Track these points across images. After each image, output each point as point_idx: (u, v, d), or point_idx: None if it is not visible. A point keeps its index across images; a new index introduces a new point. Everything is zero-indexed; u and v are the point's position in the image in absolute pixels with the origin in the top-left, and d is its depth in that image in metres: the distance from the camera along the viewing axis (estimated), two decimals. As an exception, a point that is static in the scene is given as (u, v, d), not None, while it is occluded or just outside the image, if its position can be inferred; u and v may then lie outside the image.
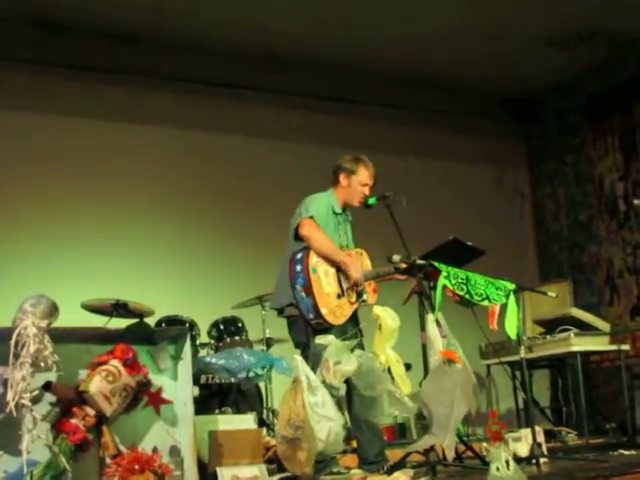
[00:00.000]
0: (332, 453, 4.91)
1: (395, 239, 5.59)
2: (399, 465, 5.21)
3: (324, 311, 5.48)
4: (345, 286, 5.71)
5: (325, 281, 5.58)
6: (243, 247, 9.33)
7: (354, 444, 6.02)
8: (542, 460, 5.40)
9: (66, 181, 8.73)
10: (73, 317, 4.55)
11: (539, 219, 11.77)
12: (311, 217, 5.71)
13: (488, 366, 8.34)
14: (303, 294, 5.50)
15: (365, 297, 5.83)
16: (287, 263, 5.68)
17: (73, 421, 3.91)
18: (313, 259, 5.59)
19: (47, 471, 3.81)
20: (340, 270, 5.71)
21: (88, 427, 3.93)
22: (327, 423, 4.56)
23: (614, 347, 8.06)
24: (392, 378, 5.03)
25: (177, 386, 4.45)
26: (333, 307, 5.56)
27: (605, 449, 6.61)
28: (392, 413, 5.04)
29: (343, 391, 5.49)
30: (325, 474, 4.88)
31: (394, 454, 5.70)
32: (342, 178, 6.03)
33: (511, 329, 5.55)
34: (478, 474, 4.65)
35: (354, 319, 5.79)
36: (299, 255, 5.63)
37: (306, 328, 5.57)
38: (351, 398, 5.59)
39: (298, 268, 5.58)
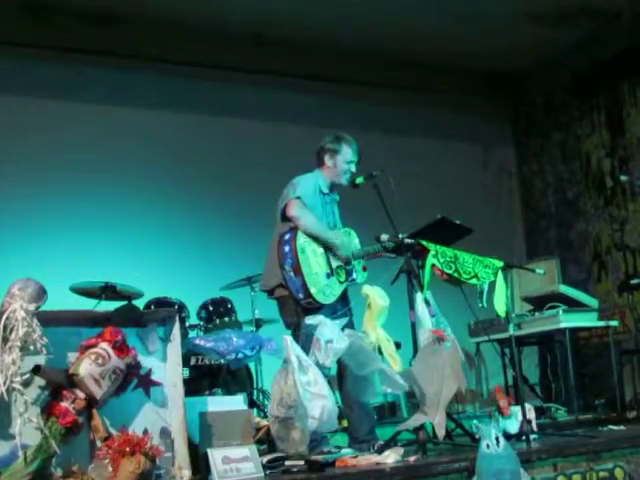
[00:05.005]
0: (327, 431, 4.93)
1: (383, 218, 5.59)
2: (389, 444, 5.23)
3: (313, 290, 5.50)
4: (334, 265, 5.72)
5: (314, 261, 5.59)
6: (232, 228, 9.32)
7: (345, 423, 6.03)
8: (532, 437, 5.42)
9: (52, 164, 8.69)
10: (62, 300, 4.55)
11: (527, 197, 11.79)
12: (298, 198, 5.70)
13: (477, 344, 8.35)
14: (292, 274, 5.51)
15: (354, 276, 5.84)
16: (275, 244, 5.68)
17: (63, 404, 3.91)
18: (301, 239, 5.60)
19: (38, 454, 3.81)
20: (329, 249, 5.71)
21: (78, 410, 3.93)
22: (320, 401, 4.58)
23: (602, 323, 8.10)
24: (382, 357, 5.05)
25: (167, 368, 4.45)
26: (322, 286, 5.58)
27: (594, 425, 6.63)
28: (384, 391, 5.05)
29: (334, 371, 5.50)
30: (316, 453, 4.88)
31: (384, 433, 5.72)
32: (327, 159, 6.03)
33: (500, 306, 5.56)
34: (468, 452, 4.66)
35: (344, 298, 5.80)
36: (287, 236, 5.64)
37: (296, 308, 5.59)
38: (342, 378, 5.60)
39: (286, 249, 5.59)
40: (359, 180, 5.97)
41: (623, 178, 8.89)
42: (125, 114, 9.25)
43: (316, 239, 5.68)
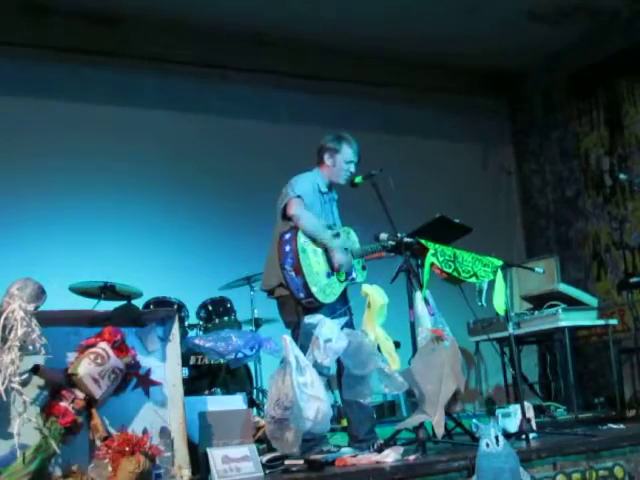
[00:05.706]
0: (320, 432, 4.92)
1: (382, 217, 5.59)
2: (389, 442, 5.23)
3: (314, 289, 5.48)
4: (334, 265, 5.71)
5: (314, 260, 5.58)
6: (231, 228, 9.31)
7: (344, 423, 6.03)
8: (531, 435, 5.43)
9: (52, 163, 8.67)
10: (61, 300, 4.55)
11: (525, 195, 11.78)
12: (298, 196, 5.70)
13: (477, 343, 8.35)
14: (293, 274, 5.50)
15: (354, 275, 5.84)
16: (275, 244, 5.68)
17: (62, 404, 3.91)
18: (301, 239, 5.59)
19: (37, 454, 3.81)
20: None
21: (77, 410, 3.93)
22: (315, 403, 4.57)
23: (602, 322, 8.08)
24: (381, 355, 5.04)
25: (166, 368, 4.45)
26: (323, 285, 5.57)
27: (594, 424, 6.64)
28: (382, 390, 5.05)
29: (333, 370, 5.50)
30: (316, 452, 4.89)
31: (384, 432, 5.72)
32: (326, 158, 6.02)
33: (499, 305, 5.57)
34: (468, 450, 4.66)
35: (343, 297, 5.79)
36: (287, 235, 5.63)
37: (297, 308, 5.57)
38: (342, 377, 5.60)
39: (287, 248, 5.58)
40: (358, 179, 5.96)
41: (622, 176, 8.89)
42: (125, 114, 9.23)
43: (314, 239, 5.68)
